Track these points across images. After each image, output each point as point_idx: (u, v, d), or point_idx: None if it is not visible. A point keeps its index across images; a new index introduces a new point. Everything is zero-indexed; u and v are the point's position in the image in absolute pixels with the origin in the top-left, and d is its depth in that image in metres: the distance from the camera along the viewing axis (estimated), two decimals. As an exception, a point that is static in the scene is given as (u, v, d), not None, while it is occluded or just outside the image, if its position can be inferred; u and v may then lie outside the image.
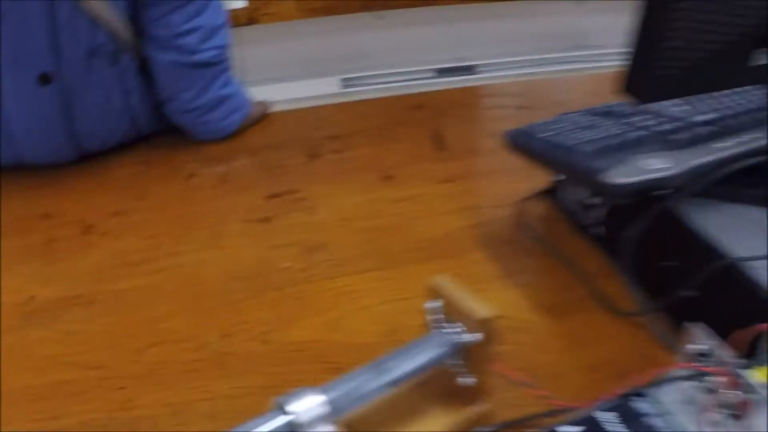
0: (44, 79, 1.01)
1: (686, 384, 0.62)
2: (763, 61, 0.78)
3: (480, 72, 3.17)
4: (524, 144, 0.81)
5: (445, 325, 0.61)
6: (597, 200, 0.84)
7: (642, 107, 0.80)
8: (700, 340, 0.63)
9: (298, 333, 0.77)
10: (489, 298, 0.76)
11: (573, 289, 0.81)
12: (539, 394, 0.63)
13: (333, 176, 1.06)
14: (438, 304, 0.61)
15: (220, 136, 1.17)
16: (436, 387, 0.64)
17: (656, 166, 0.70)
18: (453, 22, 2.99)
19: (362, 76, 2.92)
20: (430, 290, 0.62)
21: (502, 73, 2.75)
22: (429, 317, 0.62)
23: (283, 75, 2.88)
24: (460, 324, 0.60)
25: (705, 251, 0.68)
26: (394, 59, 3.03)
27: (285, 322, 0.78)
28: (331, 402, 0.55)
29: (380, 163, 1.08)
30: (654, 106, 0.80)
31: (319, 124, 1.23)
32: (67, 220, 0.98)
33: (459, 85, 1.87)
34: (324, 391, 0.55)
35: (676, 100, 0.80)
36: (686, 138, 0.73)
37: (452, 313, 0.60)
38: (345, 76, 2.91)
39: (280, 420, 0.53)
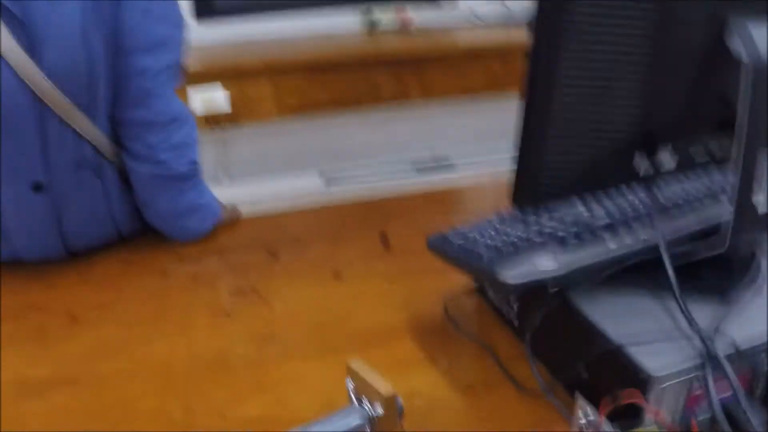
0: (37, 188, 1.17)
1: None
2: (643, 164, 0.92)
3: (457, 170, 3.35)
4: (441, 250, 0.96)
5: (359, 400, 0.75)
6: (512, 298, 1.00)
7: (552, 211, 0.94)
8: (586, 410, 0.78)
9: (250, 409, 0.91)
10: (411, 379, 0.93)
11: (489, 371, 0.95)
12: None
13: (288, 274, 1.21)
14: (351, 382, 0.76)
15: (192, 239, 1.33)
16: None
17: (543, 266, 0.84)
18: (426, 118, 3.18)
19: (341, 177, 3.09)
20: (347, 371, 0.76)
21: (479, 171, 2.86)
22: (349, 393, 0.77)
23: (265, 171, 3.05)
24: (369, 399, 0.74)
25: (594, 336, 0.83)
26: (372, 153, 3.21)
27: (240, 400, 0.92)
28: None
29: (331, 263, 1.23)
30: (558, 210, 0.92)
31: (279, 228, 1.39)
32: (55, 311, 1.12)
33: (438, 182, 2.02)
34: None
35: (577, 205, 0.93)
36: (580, 240, 0.86)
37: (362, 390, 0.75)
38: (325, 171, 3.08)
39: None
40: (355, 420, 0.74)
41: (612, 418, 0.76)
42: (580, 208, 0.93)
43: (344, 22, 3.16)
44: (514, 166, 0.89)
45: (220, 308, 1.12)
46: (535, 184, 0.89)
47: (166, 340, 1.05)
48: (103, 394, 0.95)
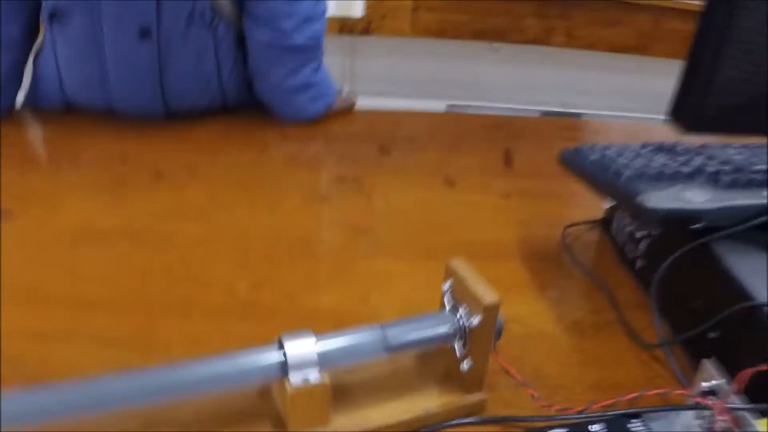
0: (144, 33, 1.07)
1: (687, 416, 0.63)
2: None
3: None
4: (575, 162, 0.82)
5: (454, 307, 0.62)
6: (642, 234, 0.85)
7: (699, 148, 0.80)
8: (712, 376, 0.63)
9: (324, 299, 0.79)
10: (514, 303, 0.80)
11: (600, 313, 0.82)
12: (536, 398, 0.63)
13: (397, 172, 1.09)
14: (449, 284, 0.63)
15: (301, 120, 1.21)
16: (436, 367, 0.66)
17: (694, 197, 0.70)
18: (565, 67, 3.00)
19: (467, 105, 2.94)
20: (446, 270, 0.63)
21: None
22: (443, 297, 0.64)
23: (390, 91, 2.93)
24: (467, 307, 0.61)
25: (733, 292, 0.68)
26: (501, 93, 3.05)
27: (315, 287, 0.81)
28: (323, 350, 0.57)
29: (445, 169, 1.10)
30: (711, 148, 0.80)
31: (396, 126, 1.26)
32: (141, 166, 1.04)
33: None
34: (320, 339, 0.58)
35: (735, 145, 0.80)
36: (734, 180, 0.73)
37: (460, 295, 0.62)
38: (451, 103, 2.94)
39: (272, 356, 0.56)
40: (443, 327, 0.62)
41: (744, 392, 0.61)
42: (750, 153, 0.80)
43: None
44: (680, 81, 0.75)
45: (316, 192, 1.01)
46: (698, 103, 0.74)
47: (250, 212, 0.94)
48: (167, 253, 0.86)
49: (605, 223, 0.97)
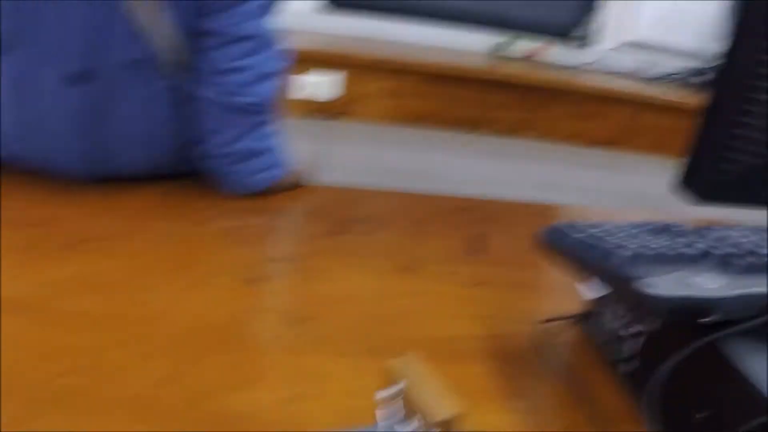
0: (76, 78, 0.94)
1: None
2: None
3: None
4: (554, 242, 0.69)
5: (397, 422, 0.48)
6: (633, 331, 0.71)
7: (699, 229, 0.67)
8: None
9: (239, 403, 0.64)
10: (478, 414, 0.65)
11: (580, 425, 0.67)
12: None
13: (348, 254, 0.95)
14: (392, 391, 0.48)
15: (243, 192, 1.07)
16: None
17: (706, 283, 0.57)
18: (541, 160, 2.92)
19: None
20: (392, 371, 0.49)
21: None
22: (379, 408, 0.49)
23: (358, 177, 2.81)
24: (417, 420, 0.47)
25: (751, 402, 0.54)
26: (474, 184, 2.94)
27: (231, 387, 0.66)
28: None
29: (405, 254, 0.97)
30: (713, 230, 0.68)
31: (353, 204, 1.13)
32: (59, 230, 0.90)
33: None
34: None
35: (739, 228, 0.67)
36: (750, 264, 0.60)
37: (409, 404, 0.47)
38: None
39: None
40: None
41: None
42: (739, 234, 0.68)
43: (471, 41, 2.91)
44: (692, 146, 0.63)
45: (250, 272, 0.86)
46: (712, 170, 0.62)
47: (171, 291, 0.80)
48: (67, 331, 0.72)
49: (584, 319, 0.83)
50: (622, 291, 0.63)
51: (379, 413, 0.49)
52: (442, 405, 0.45)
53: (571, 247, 0.67)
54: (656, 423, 0.60)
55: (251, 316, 0.78)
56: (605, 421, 0.67)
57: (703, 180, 0.62)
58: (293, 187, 1.13)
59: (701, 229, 0.69)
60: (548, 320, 0.83)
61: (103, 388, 0.63)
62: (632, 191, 2.61)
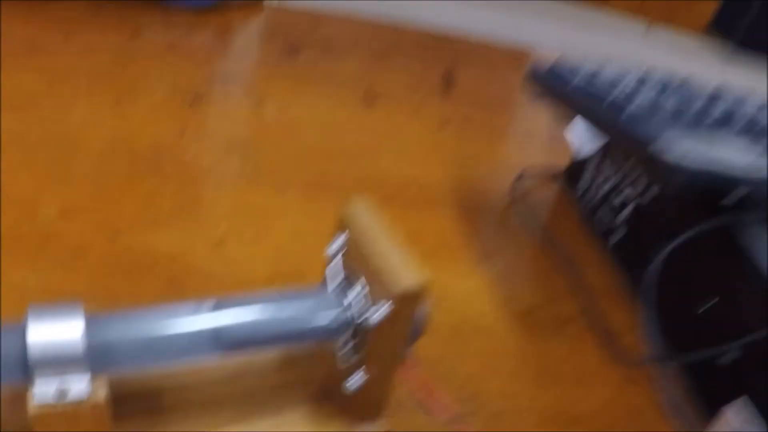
0: None
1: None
2: None
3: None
4: (551, 85, 0.58)
5: (345, 281, 0.38)
6: (624, 196, 0.62)
7: (714, 90, 0.57)
8: (738, 420, 0.41)
9: (159, 241, 0.54)
10: (441, 275, 0.56)
11: (561, 302, 0.59)
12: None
13: (303, 79, 0.83)
14: (341, 242, 0.38)
15: (192, 4, 0.93)
16: (306, 375, 0.43)
17: (733, 156, 0.47)
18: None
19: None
20: (339, 221, 0.39)
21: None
22: (329, 263, 0.39)
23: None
24: (367, 285, 0.37)
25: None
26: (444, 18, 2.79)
27: (151, 223, 0.55)
28: (97, 341, 0.32)
29: (367, 83, 0.85)
30: (733, 93, 0.57)
31: (312, 27, 1.00)
32: None
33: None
34: (94, 320, 0.33)
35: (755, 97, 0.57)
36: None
37: (357, 263, 0.37)
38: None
39: (8, 344, 0.31)
40: (322, 317, 0.37)
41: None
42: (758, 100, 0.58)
43: None
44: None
45: (188, 90, 0.74)
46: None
47: (91, 109, 0.68)
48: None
49: (570, 177, 0.73)
50: (630, 152, 0.53)
51: (328, 272, 0.39)
52: (402, 270, 0.35)
53: (571, 93, 0.56)
54: (652, 309, 0.51)
55: (185, 141, 0.67)
56: (588, 293, 0.59)
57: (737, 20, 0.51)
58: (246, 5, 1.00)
59: (715, 90, 0.59)
60: (526, 173, 0.73)
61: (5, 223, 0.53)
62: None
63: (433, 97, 0.86)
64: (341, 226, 0.38)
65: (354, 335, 0.37)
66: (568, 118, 0.68)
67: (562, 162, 0.73)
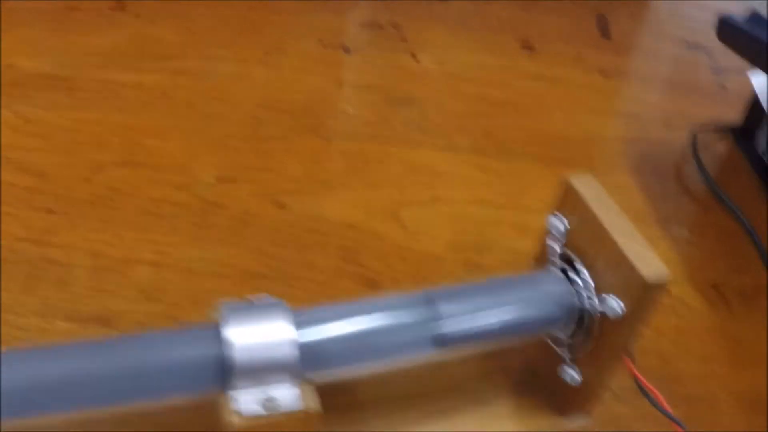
0: None
1: None
2: None
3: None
4: (744, 36, 0.50)
5: (570, 267, 0.32)
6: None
7: None
8: None
9: (330, 207, 0.49)
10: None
11: (749, 272, 0.52)
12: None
13: (455, 24, 0.77)
14: (564, 224, 0.32)
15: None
16: (511, 365, 0.38)
17: None
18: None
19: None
20: (562, 195, 0.33)
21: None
22: (549, 244, 0.33)
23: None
24: (599, 275, 0.31)
25: None
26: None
27: (318, 187, 0.51)
28: (306, 346, 0.27)
29: (520, 30, 0.78)
30: None
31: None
32: None
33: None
34: (300, 322, 0.28)
35: None
36: None
37: (588, 250, 0.31)
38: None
39: (200, 351, 0.26)
40: (552, 303, 0.31)
41: None
42: None
43: None
44: None
45: (335, 40, 0.69)
46: None
47: (236, 64, 0.64)
48: (103, 114, 0.56)
49: (746, 133, 0.65)
50: None
51: (550, 247, 0.33)
52: (645, 262, 0.29)
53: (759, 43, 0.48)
54: None
55: (336, 95, 0.62)
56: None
57: None
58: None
59: None
60: (700, 129, 0.65)
61: (153, 184, 0.49)
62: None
63: (591, 45, 0.78)
64: (564, 204, 0.32)
65: (581, 327, 0.31)
66: (752, 70, 0.60)
67: (729, 117, 0.66)
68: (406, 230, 0.48)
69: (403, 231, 0.48)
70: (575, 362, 0.33)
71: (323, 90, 0.62)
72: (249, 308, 0.28)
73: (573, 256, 0.32)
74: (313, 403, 0.27)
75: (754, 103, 0.64)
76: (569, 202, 0.33)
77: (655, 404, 0.33)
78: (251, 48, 0.66)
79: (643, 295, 0.29)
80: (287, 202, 0.49)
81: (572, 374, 0.33)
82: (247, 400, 0.27)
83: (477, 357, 0.38)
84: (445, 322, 0.29)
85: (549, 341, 0.34)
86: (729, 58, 0.70)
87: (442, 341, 0.29)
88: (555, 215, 0.33)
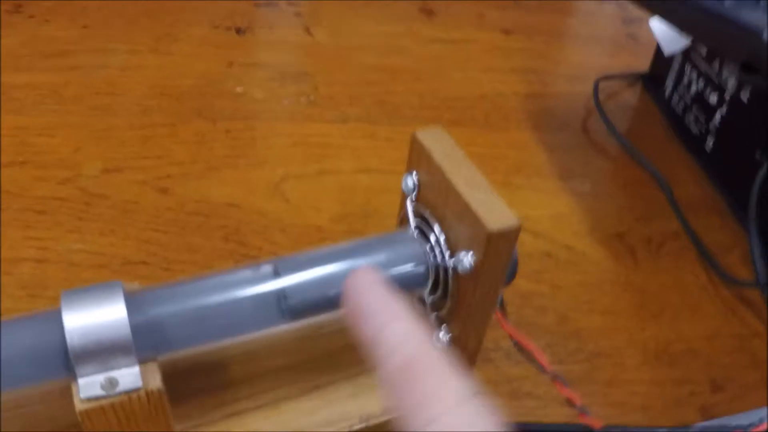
0: None
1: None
2: None
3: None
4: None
5: (423, 222, 0.32)
6: (713, 99, 0.54)
7: None
8: None
9: (215, 189, 0.49)
10: (526, 202, 0.50)
11: (655, 220, 0.52)
12: (567, 396, 0.33)
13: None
14: (414, 179, 0.33)
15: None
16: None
17: None
18: None
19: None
20: (411, 151, 0.33)
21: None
22: (405, 204, 0.34)
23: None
24: (450, 229, 0.31)
25: None
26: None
27: (202, 170, 0.51)
28: (139, 324, 0.27)
29: None
30: None
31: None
32: None
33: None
34: (138, 302, 0.28)
35: None
36: None
37: (438, 205, 0.32)
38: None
39: (43, 335, 0.27)
40: (405, 263, 0.31)
41: None
42: None
43: None
44: None
45: (233, 23, 0.68)
46: None
47: (128, 52, 0.63)
48: (13, 111, 0.55)
49: (650, 82, 0.66)
50: (737, 46, 0.45)
51: (405, 213, 0.33)
52: (492, 210, 0.29)
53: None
54: (757, 228, 0.45)
55: (234, 73, 0.61)
56: (686, 209, 0.52)
57: None
58: None
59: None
60: (606, 77, 0.66)
61: (32, 182, 0.48)
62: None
63: (493, 5, 0.78)
64: (413, 160, 0.32)
65: (438, 284, 0.32)
66: (650, 17, 0.61)
67: (639, 67, 0.66)
68: (289, 204, 0.48)
69: (285, 205, 0.48)
70: (442, 322, 0.33)
71: (212, 72, 0.61)
72: (85, 292, 0.28)
73: (425, 213, 0.32)
74: (154, 381, 0.27)
75: (659, 48, 0.64)
76: (417, 157, 0.32)
77: (532, 362, 0.33)
78: (144, 37, 0.65)
79: (489, 246, 0.29)
80: (170, 187, 0.49)
81: (442, 334, 0.33)
82: (88, 383, 0.27)
83: (345, 326, 0.38)
84: (290, 291, 0.30)
85: (416, 304, 0.34)
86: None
87: (288, 311, 0.30)
88: (408, 173, 0.33)
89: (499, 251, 0.29)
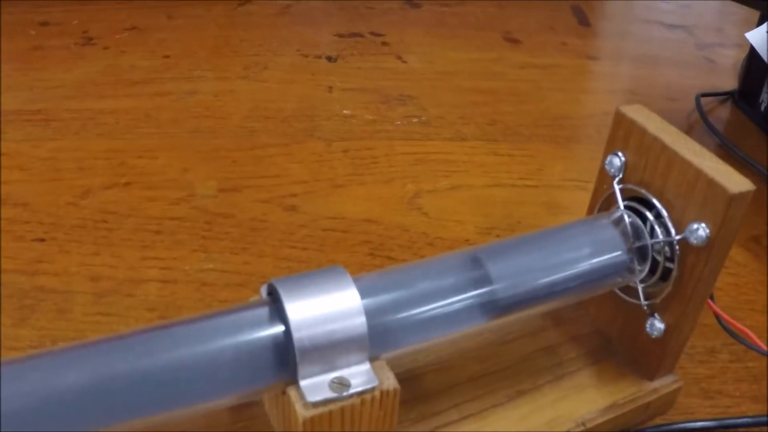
0: None
1: None
2: None
3: None
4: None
5: (636, 204, 0.29)
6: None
7: None
8: None
9: (344, 205, 0.46)
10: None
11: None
12: None
13: (434, 27, 0.74)
14: (621, 160, 0.29)
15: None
16: (575, 337, 0.34)
17: None
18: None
19: None
20: (613, 128, 0.30)
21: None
22: (600, 189, 0.30)
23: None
24: (671, 204, 0.28)
25: None
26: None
27: (327, 187, 0.47)
28: (375, 320, 0.24)
29: (499, 25, 0.76)
30: None
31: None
32: (66, 30, 0.68)
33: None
34: (367, 289, 0.24)
35: None
36: None
37: (654, 180, 0.28)
38: None
39: (264, 326, 0.23)
40: (611, 249, 0.28)
41: None
42: None
43: None
44: None
45: (317, 48, 0.66)
46: None
47: (218, 78, 0.60)
48: (84, 141, 0.52)
49: (743, 95, 0.64)
50: None
51: (616, 188, 0.30)
52: (724, 171, 0.26)
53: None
54: None
55: (328, 99, 0.58)
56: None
57: None
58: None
59: None
60: (703, 95, 0.64)
61: (151, 203, 0.45)
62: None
63: (572, 34, 0.76)
64: (618, 138, 0.29)
65: (652, 271, 0.28)
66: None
67: (723, 86, 0.65)
68: (429, 218, 0.45)
69: (426, 219, 0.45)
70: (654, 311, 0.30)
71: (313, 96, 0.59)
72: (305, 278, 0.24)
73: (639, 190, 0.29)
74: (388, 380, 0.24)
75: (750, 63, 0.62)
76: (624, 134, 0.30)
77: (746, 343, 0.30)
78: (230, 66, 0.63)
79: (728, 210, 0.26)
80: (297, 205, 0.45)
81: (655, 324, 0.29)
82: (313, 385, 0.23)
83: (541, 329, 0.34)
84: (497, 285, 0.26)
85: (621, 295, 0.31)
86: (709, 34, 0.70)
87: (496, 308, 0.26)
88: (612, 153, 0.30)
89: (735, 216, 0.27)
